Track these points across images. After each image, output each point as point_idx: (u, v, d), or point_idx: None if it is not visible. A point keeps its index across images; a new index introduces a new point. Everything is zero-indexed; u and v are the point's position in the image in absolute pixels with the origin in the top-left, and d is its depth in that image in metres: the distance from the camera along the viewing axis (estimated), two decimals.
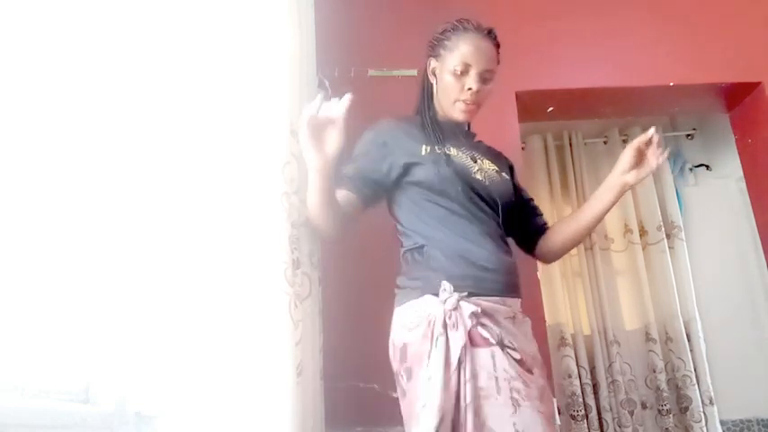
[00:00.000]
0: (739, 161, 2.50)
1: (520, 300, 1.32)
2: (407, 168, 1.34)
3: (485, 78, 1.39)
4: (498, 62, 1.44)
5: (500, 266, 1.28)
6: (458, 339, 1.13)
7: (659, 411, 2.76)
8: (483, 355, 1.14)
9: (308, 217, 1.28)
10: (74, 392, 1.03)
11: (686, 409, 2.75)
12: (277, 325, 1.14)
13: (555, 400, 1.28)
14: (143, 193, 1.21)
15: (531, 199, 1.59)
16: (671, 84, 2.26)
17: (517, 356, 1.16)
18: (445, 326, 1.15)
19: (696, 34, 2.32)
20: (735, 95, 2.38)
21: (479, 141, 1.53)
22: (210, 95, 1.26)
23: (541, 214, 1.58)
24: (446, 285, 1.20)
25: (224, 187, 1.21)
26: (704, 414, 2.73)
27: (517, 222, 1.50)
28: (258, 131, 1.26)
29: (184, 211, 1.19)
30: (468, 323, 1.15)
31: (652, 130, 1.35)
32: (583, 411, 2.69)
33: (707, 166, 3.27)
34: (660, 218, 3.00)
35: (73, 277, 1.07)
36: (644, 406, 2.79)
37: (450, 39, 1.41)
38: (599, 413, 2.71)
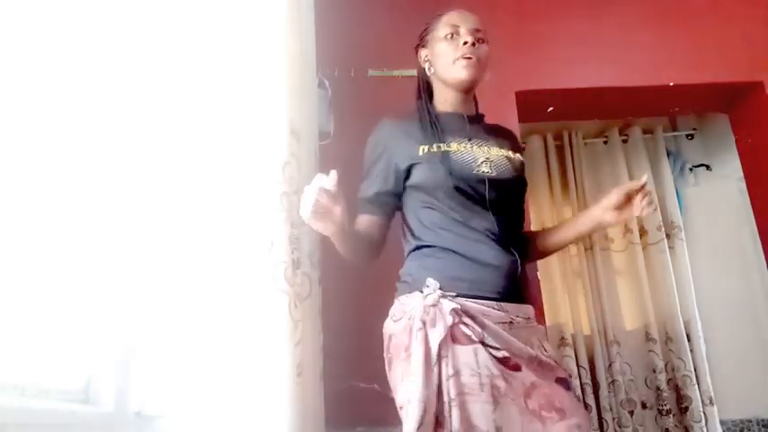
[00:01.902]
0: (739, 161, 2.50)
1: (524, 305, 1.30)
2: (408, 171, 1.35)
3: (477, 38, 1.39)
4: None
5: (497, 272, 1.27)
6: (436, 335, 1.15)
7: (659, 411, 2.76)
8: (465, 352, 1.15)
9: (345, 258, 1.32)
10: (74, 392, 1.03)
11: (686, 409, 2.74)
12: (277, 325, 1.15)
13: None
14: (143, 193, 1.21)
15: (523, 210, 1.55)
16: (671, 84, 2.26)
17: (499, 355, 1.17)
18: (425, 322, 1.17)
19: (696, 34, 2.32)
20: (735, 95, 2.38)
21: (488, 125, 1.49)
22: (210, 95, 1.26)
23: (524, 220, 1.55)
24: (430, 282, 1.22)
25: (224, 187, 1.21)
26: (704, 414, 2.72)
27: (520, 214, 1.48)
28: (258, 131, 1.26)
29: (184, 212, 1.19)
30: (449, 320, 1.16)
31: (644, 179, 1.34)
32: None
33: (707, 166, 3.27)
34: (660, 218, 2.99)
35: (73, 277, 1.07)
36: (644, 406, 2.79)
37: (432, 24, 1.46)
38: (599, 413, 2.71)
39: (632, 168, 3.13)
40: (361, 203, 1.39)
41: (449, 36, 1.39)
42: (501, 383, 1.14)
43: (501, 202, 1.34)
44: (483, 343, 1.17)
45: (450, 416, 1.09)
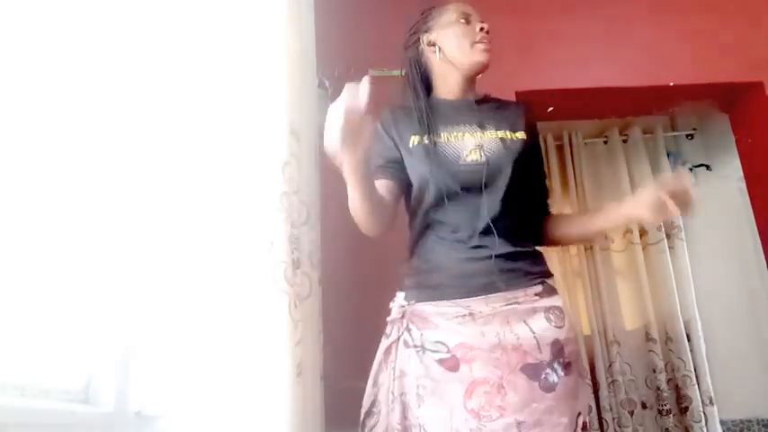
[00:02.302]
0: (739, 161, 2.50)
1: (506, 292, 1.26)
2: (403, 162, 1.37)
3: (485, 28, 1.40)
4: None
5: (458, 269, 1.28)
6: (385, 342, 1.32)
7: (659, 411, 2.76)
8: (408, 355, 1.26)
9: (356, 220, 1.28)
10: (74, 392, 1.03)
11: (686, 409, 2.75)
12: (277, 325, 1.14)
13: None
14: (143, 193, 1.21)
15: (545, 175, 1.51)
16: (671, 84, 2.26)
17: (437, 357, 1.23)
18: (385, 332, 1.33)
19: (696, 34, 2.32)
20: (735, 95, 2.38)
21: (496, 104, 1.45)
22: (210, 95, 1.25)
23: (548, 196, 1.49)
24: (398, 296, 1.34)
25: (224, 187, 1.21)
26: (704, 414, 2.73)
27: (526, 194, 1.39)
28: (258, 131, 1.26)
29: (184, 212, 1.19)
30: (396, 332, 1.29)
31: (688, 177, 1.25)
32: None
33: (707, 166, 3.27)
34: None
35: (72, 277, 1.07)
36: (644, 406, 2.79)
37: (436, 10, 1.45)
38: (599, 413, 2.71)
39: (632, 168, 3.13)
40: (373, 170, 1.34)
41: (462, 21, 1.39)
42: (427, 384, 1.21)
43: (497, 188, 1.31)
44: (423, 347, 1.25)
45: (393, 410, 1.23)
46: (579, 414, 1.21)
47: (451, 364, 1.22)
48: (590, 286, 2.94)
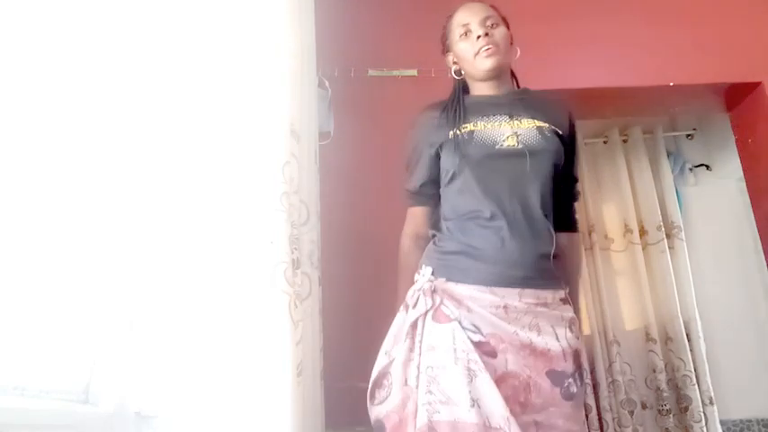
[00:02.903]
0: (739, 161, 2.50)
1: (539, 290, 1.26)
2: (439, 155, 1.39)
3: (489, 25, 1.41)
4: (503, 18, 1.47)
5: (498, 257, 1.27)
6: (413, 314, 1.26)
7: (659, 411, 2.76)
8: (444, 329, 1.22)
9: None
10: (74, 392, 1.03)
11: (686, 409, 2.74)
12: (277, 325, 1.14)
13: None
14: (143, 193, 1.21)
15: (576, 180, 1.48)
16: (671, 84, 2.26)
17: (475, 339, 1.21)
18: (407, 304, 1.29)
19: (696, 34, 2.32)
20: (735, 95, 2.38)
21: (535, 97, 1.46)
22: (211, 95, 1.26)
23: (575, 185, 1.48)
24: (425, 270, 1.29)
25: (224, 187, 1.21)
26: (704, 414, 2.72)
27: (558, 188, 1.39)
28: (258, 131, 1.26)
29: (185, 212, 1.19)
30: (429, 303, 1.25)
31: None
32: (583, 411, 2.69)
33: (707, 166, 3.27)
34: (660, 218, 2.99)
35: (73, 278, 1.07)
36: (644, 406, 2.79)
37: (446, 28, 1.48)
38: (599, 413, 2.71)
39: (632, 168, 3.13)
40: (409, 195, 1.45)
41: (463, 36, 1.42)
42: (477, 358, 1.18)
43: (534, 174, 1.32)
44: (460, 323, 1.22)
45: (418, 382, 1.19)
46: (585, 423, 1.28)
47: (488, 350, 1.20)
48: (590, 286, 2.94)
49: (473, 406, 1.11)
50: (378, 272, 1.84)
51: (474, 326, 1.22)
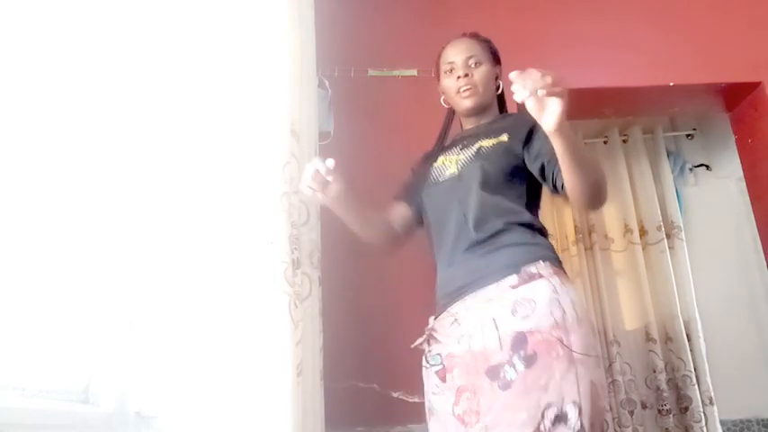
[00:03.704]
0: (739, 161, 2.50)
1: (480, 290, 1.25)
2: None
3: (471, 65, 1.47)
4: (492, 52, 1.52)
5: (447, 280, 1.35)
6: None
7: (659, 411, 2.76)
8: (426, 374, 1.35)
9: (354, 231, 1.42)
10: (74, 392, 1.03)
11: (686, 409, 2.75)
12: (277, 325, 1.15)
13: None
14: (143, 192, 1.21)
15: (544, 154, 1.34)
16: (671, 84, 2.26)
17: (436, 370, 1.30)
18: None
19: (696, 34, 2.32)
20: (735, 95, 2.38)
21: (502, 120, 1.48)
22: (211, 95, 1.26)
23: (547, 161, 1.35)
24: (430, 319, 1.37)
25: (224, 187, 1.21)
26: (704, 414, 2.72)
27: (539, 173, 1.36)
28: (258, 131, 1.26)
29: (185, 212, 1.19)
30: (426, 349, 1.36)
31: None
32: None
33: (707, 166, 3.27)
34: (660, 218, 3.00)
35: (72, 277, 1.07)
36: (644, 406, 2.79)
37: (437, 61, 1.55)
38: None
39: (632, 168, 3.13)
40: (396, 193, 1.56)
41: (447, 72, 1.50)
42: (432, 398, 1.32)
43: (469, 191, 1.34)
44: (429, 363, 1.33)
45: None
46: (549, 406, 1.11)
47: (442, 375, 1.29)
48: (590, 286, 2.94)
49: None
50: (378, 272, 1.84)
51: (438, 354, 1.31)
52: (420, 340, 1.37)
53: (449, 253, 1.36)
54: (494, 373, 1.17)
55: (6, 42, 0.96)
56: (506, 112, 1.58)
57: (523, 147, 1.38)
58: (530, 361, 1.14)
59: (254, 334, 1.12)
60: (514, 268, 1.25)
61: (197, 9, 1.30)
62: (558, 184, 1.31)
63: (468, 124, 1.54)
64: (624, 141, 3.19)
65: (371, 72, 2.14)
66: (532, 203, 1.43)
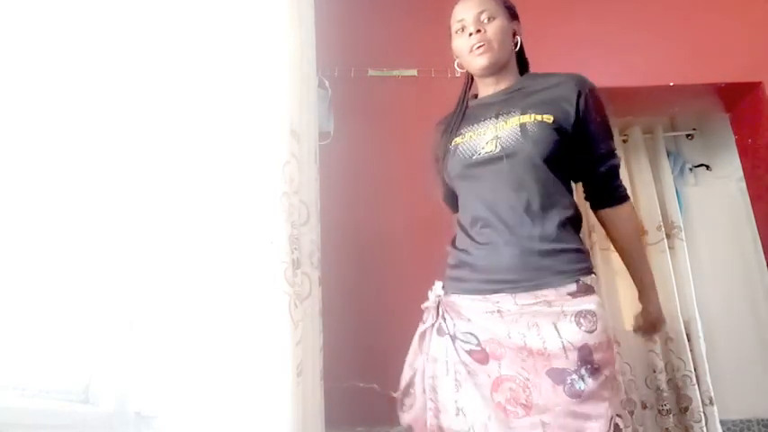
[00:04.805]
0: (739, 161, 2.50)
1: (536, 291, 1.25)
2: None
3: (483, 20, 1.38)
4: (507, 7, 1.44)
5: (487, 265, 1.30)
6: (421, 328, 1.37)
7: (659, 411, 2.76)
8: (441, 342, 1.31)
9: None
10: (74, 392, 1.03)
11: (686, 409, 2.75)
12: (277, 325, 1.14)
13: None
14: (143, 192, 1.21)
15: (602, 137, 1.38)
16: (671, 84, 2.26)
17: (467, 348, 1.28)
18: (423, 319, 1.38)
19: (696, 34, 2.32)
20: (735, 95, 2.38)
21: (532, 85, 1.41)
22: (210, 96, 1.25)
23: (605, 161, 1.39)
24: (436, 286, 1.36)
25: (224, 187, 1.21)
26: (704, 414, 2.72)
27: (581, 165, 1.38)
28: (258, 131, 1.26)
29: (184, 212, 1.19)
30: (432, 319, 1.34)
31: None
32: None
33: (707, 166, 3.27)
34: (660, 218, 3.00)
35: (72, 277, 1.07)
36: (644, 406, 2.79)
37: (449, 22, 1.47)
38: None
39: (632, 168, 3.13)
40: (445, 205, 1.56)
41: (458, 31, 1.41)
42: (462, 370, 1.27)
43: (516, 176, 1.30)
44: (453, 337, 1.30)
45: (425, 390, 1.30)
46: (612, 418, 1.17)
47: (480, 357, 1.26)
48: None
49: (457, 414, 1.23)
50: (377, 272, 1.84)
51: (471, 334, 1.28)
52: (428, 303, 1.35)
53: (497, 238, 1.29)
54: (558, 376, 1.19)
55: (6, 42, 0.96)
56: (528, 71, 1.49)
57: (573, 127, 1.32)
58: (596, 375, 1.19)
59: (253, 334, 1.12)
60: (573, 277, 1.27)
61: (197, 9, 1.30)
62: (595, 206, 1.46)
63: (487, 87, 1.45)
64: (624, 141, 3.19)
65: (371, 72, 2.14)
66: (571, 188, 1.39)
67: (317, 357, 1.33)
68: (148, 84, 1.24)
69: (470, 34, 1.38)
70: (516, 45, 1.44)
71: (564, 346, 1.19)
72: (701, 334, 2.85)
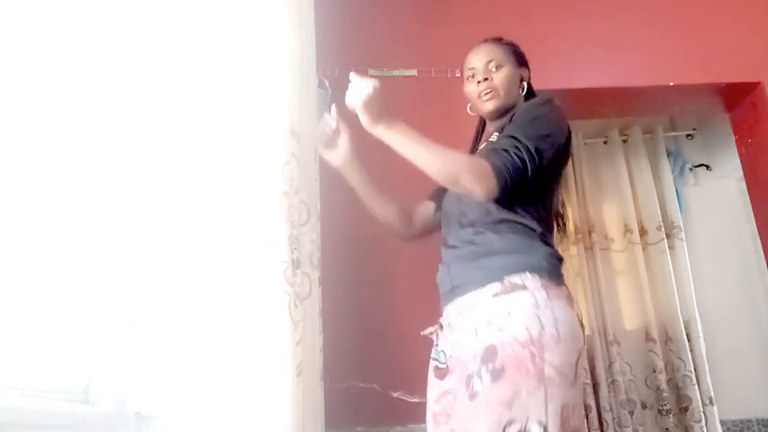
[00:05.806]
0: (739, 161, 2.50)
1: (462, 297, 1.28)
2: None
3: (491, 68, 1.47)
4: (515, 54, 1.51)
5: (450, 282, 1.35)
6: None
7: (659, 411, 2.76)
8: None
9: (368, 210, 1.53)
10: (74, 392, 1.03)
11: (686, 409, 2.75)
12: (277, 325, 1.14)
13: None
14: (143, 192, 1.21)
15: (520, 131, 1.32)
16: (671, 84, 2.26)
17: (434, 365, 1.36)
18: None
19: (696, 34, 2.32)
20: (735, 95, 2.38)
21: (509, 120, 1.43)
22: (210, 96, 1.25)
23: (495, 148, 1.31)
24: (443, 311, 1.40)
25: (224, 187, 1.21)
26: (704, 414, 2.73)
27: None
28: (258, 131, 1.26)
29: (184, 211, 1.19)
30: (435, 340, 1.40)
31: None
32: (583, 411, 2.69)
33: (707, 166, 3.27)
34: (660, 218, 3.00)
35: (72, 278, 1.07)
36: (644, 406, 2.79)
37: (462, 66, 1.54)
38: (599, 413, 2.71)
39: (632, 168, 3.13)
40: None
41: (469, 78, 1.50)
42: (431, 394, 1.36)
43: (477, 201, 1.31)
44: (432, 358, 1.38)
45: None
46: (510, 423, 1.09)
47: (442, 374, 1.33)
48: (590, 286, 2.94)
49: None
50: (378, 272, 1.84)
51: (442, 351, 1.35)
52: (431, 329, 1.40)
53: (445, 252, 1.41)
54: (467, 381, 1.17)
55: (6, 42, 0.96)
56: None
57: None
58: (496, 375, 1.12)
59: (253, 334, 1.12)
60: (498, 276, 1.23)
61: (197, 9, 1.30)
62: None
63: (491, 127, 1.53)
64: (624, 141, 3.19)
65: (371, 72, 2.14)
66: (537, 201, 1.36)
67: (317, 357, 1.33)
68: (148, 84, 1.25)
69: (479, 82, 1.46)
70: (523, 90, 1.51)
71: (474, 350, 1.19)
72: (700, 334, 2.85)
